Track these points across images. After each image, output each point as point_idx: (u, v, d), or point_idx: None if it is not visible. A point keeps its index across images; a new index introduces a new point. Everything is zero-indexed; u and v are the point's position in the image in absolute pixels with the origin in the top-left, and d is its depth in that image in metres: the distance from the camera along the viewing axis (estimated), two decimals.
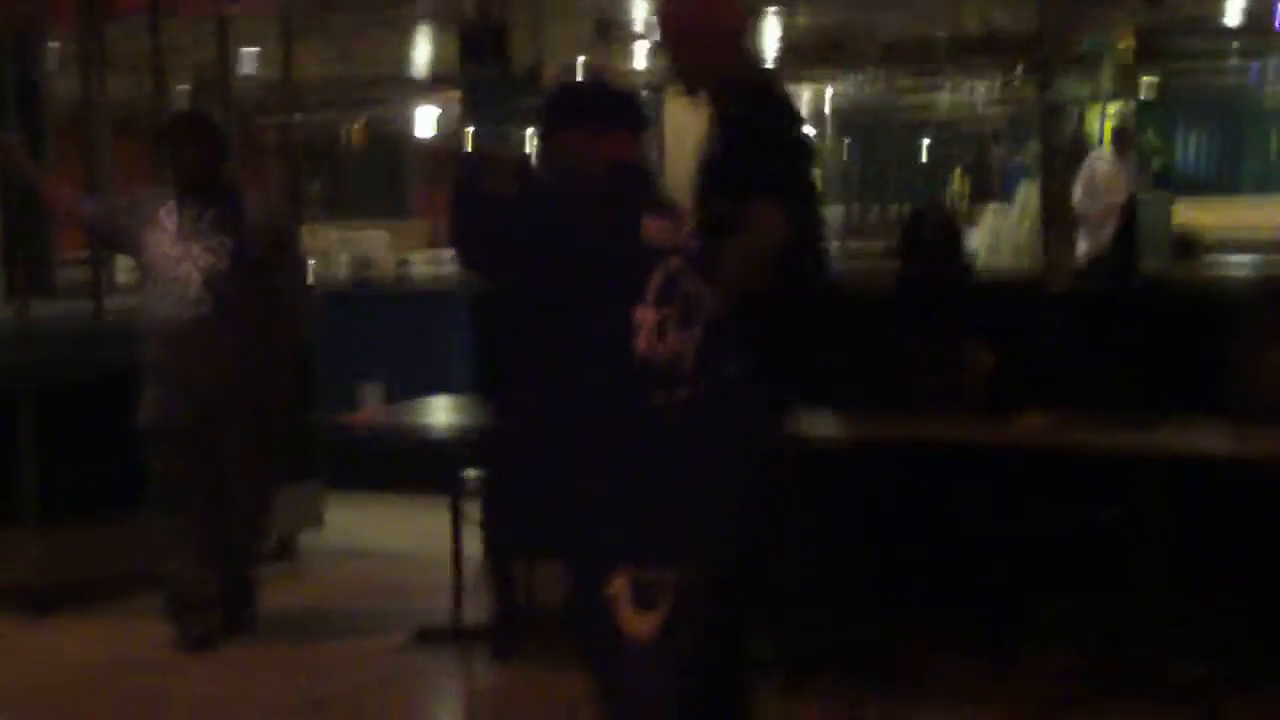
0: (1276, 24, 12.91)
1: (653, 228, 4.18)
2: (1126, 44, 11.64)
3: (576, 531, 4.18)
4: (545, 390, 4.21)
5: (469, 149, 4.94)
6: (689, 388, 4.19)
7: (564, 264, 4.12)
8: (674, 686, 4.26)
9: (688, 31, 5.38)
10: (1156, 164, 15.66)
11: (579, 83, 5.03)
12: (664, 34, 5.50)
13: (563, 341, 4.15)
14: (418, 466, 7.35)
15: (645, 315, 4.10)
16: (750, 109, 5.33)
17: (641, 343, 4.09)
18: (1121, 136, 11.37)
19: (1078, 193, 11.03)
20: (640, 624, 4.13)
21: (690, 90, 5.42)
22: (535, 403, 4.25)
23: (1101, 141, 11.42)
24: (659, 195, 4.41)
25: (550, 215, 4.24)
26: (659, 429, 4.16)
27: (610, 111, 4.42)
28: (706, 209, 5.23)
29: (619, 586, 4.11)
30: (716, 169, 5.36)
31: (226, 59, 9.82)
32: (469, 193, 4.31)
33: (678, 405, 4.17)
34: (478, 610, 6.93)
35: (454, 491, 6.93)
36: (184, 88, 12.59)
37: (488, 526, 6.83)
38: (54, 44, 10.37)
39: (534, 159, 4.63)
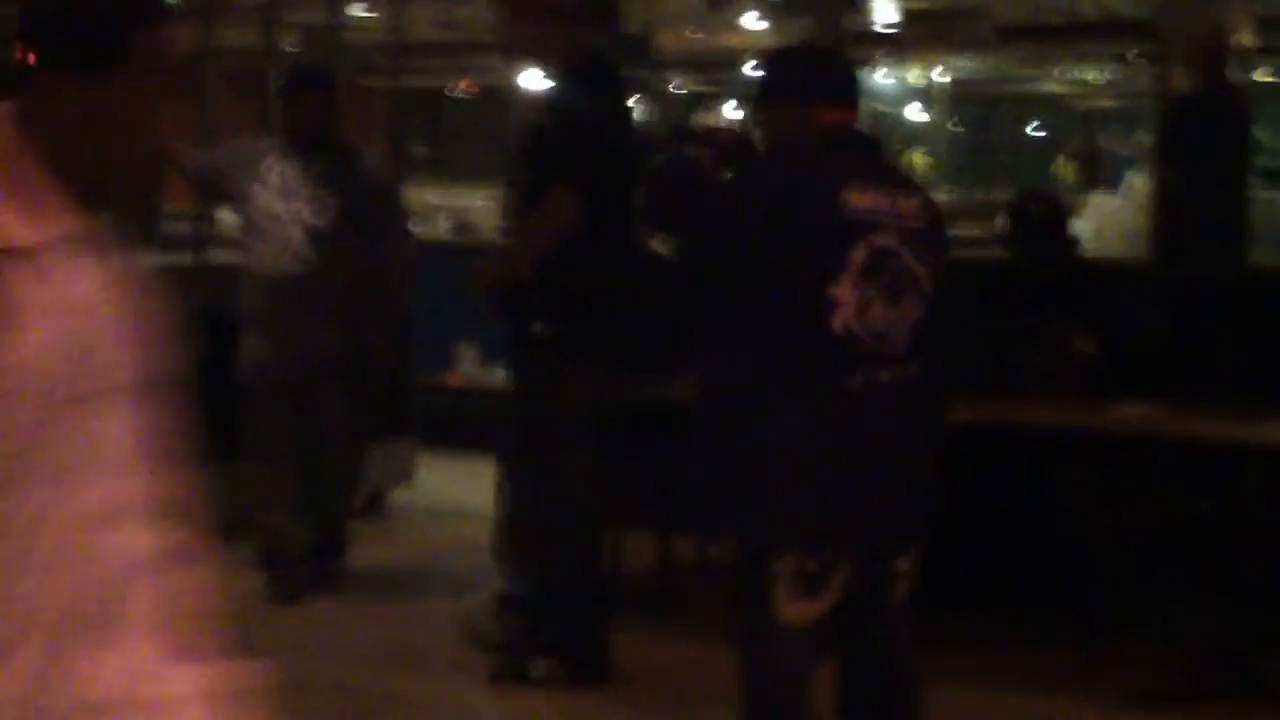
0: None
1: (859, 200, 4.05)
2: (1245, 34, 11.44)
3: (747, 509, 4.12)
4: (736, 368, 4.15)
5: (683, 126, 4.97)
6: (896, 368, 4.09)
7: (757, 237, 4.05)
8: (812, 676, 4.21)
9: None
10: (1265, 157, 15.43)
11: (791, 54, 4.96)
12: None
13: (755, 318, 4.08)
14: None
15: (844, 292, 3.99)
16: (572, 91, 5.36)
17: (837, 322, 3.99)
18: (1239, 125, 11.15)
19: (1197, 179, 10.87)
20: (794, 610, 4.08)
21: (529, 57, 5.52)
22: (725, 379, 4.20)
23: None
24: (879, 167, 4.31)
25: (746, 187, 4.19)
26: (851, 412, 4.05)
27: (824, 85, 4.33)
28: (513, 187, 5.31)
29: (781, 570, 4.06)
30: (528, 146, 5.44)
31: (337, 14, 9.85)
32: (675, 162, 4.28)
33: (877, 388, 4.07)
34: None
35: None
36: (292, 44, 12.63)
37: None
38: None
39: (751, 134, 4.58)
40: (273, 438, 6.93)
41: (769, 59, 4.62)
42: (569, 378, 5.71)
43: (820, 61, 4.65)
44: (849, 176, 4.09)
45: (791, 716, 4.22)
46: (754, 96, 4.45)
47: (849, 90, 4.36)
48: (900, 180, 4.35)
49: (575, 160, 5.40)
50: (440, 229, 13.45)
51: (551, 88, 5.59)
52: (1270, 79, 15.03)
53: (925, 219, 4.17)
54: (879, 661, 4.36)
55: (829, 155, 4.18)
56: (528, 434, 5.85)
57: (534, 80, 16.87)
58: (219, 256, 8.41)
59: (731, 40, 13.99)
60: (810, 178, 4.11)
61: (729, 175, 4.26)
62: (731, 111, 14.90)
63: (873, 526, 4.16)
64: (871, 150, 4.39)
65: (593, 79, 5.62)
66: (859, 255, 3.99)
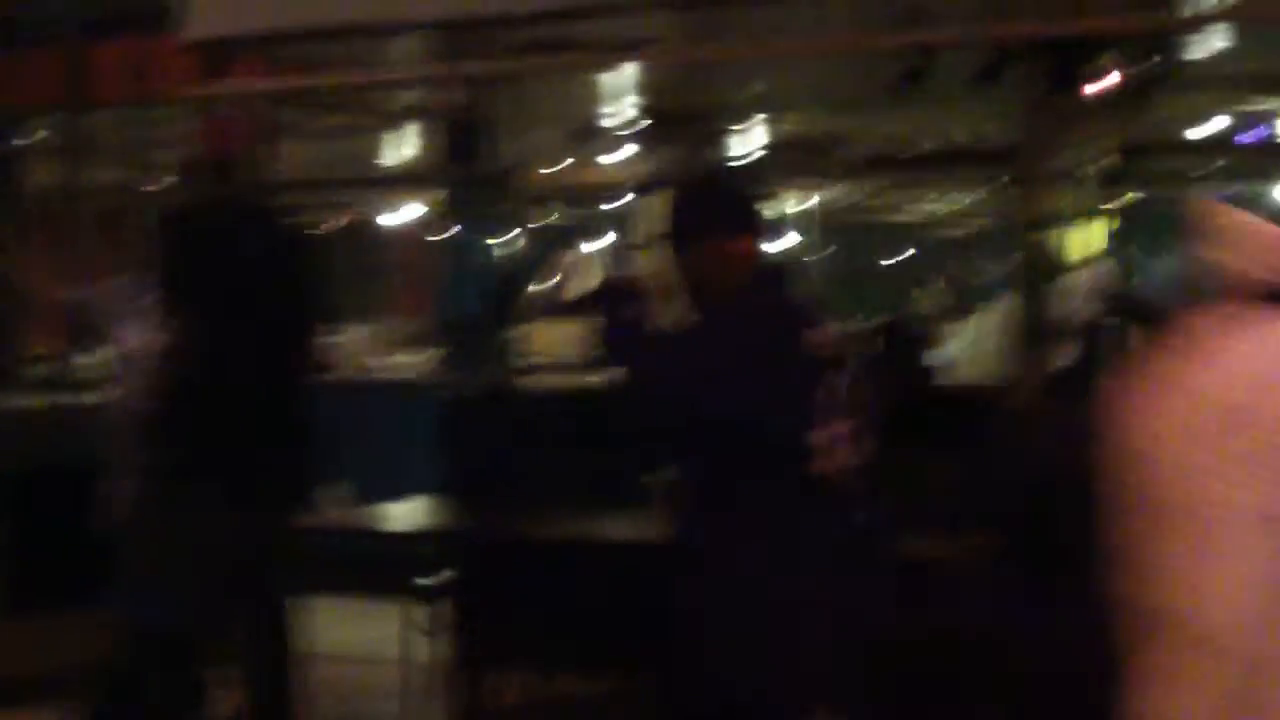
0: (1241, 139, 13.04)
1: (811, 337, 4.08)
2: (1106, 160, 11.68)
3: (771, 677, 4.06)
4: (727, 521, 4.07)
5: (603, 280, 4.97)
6: (866, 509, 4.07)
7: (736, 385, 3.99)
8: None
9: (203, 151, 6.19)
10: (1134, 282, 15.70)
11: (702, 188, 4.84)
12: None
13: (740, 467, 4.02)
14: (377, 569, 7.30)
15: (819, 433, 4.00)
16: (210, 228, 5.68)
17: (826, 463, 3.96)
18: (1095, 252, 11.37)
19: (1061, 305, 11.02)
20: None
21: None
22: (721, 542, 4.09)
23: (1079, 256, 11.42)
24: (801, 300, 4.31)
25: (712, 337, 4.10)
26: (845, 558, 4.03)
27: (741, 215, 4.31)
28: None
29: None
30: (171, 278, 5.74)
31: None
32: (622, 331, 4.21)
33: (856, 528, 4.04)
34: (428, 716, 6.87)
35: (413, 596, 6.88)
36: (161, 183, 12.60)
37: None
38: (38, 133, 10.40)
39: (650, 273, 4.51)
40: (135, 579, 6.83)
41: (677, 198, 4.55)
42: (184, 506, 5.77)
43: (729, 192, 4.60)
44: (794, 312, 4.08)
45: None
46: (667, 235, 4.36)
47: (760, 218, 4.35)
48: (817, 313, 4.34)
49: (184, 295, 5.75)
50: (329, 368, 13.39)
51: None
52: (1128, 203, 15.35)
53: (850, 351, 4.18)
54: None
55: (768, 291, 4.16)
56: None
57: (404, 215, 16.84)
58: (72, 399, 8.35)
59: (601, 173, 14.11)
60: (770, 317, 4.10)
61: (684, 325, 4.18)
62: (602, 244, 14.97)
63: (861, 675, 4.14)
64: (790, 283, 4.38)
65: (245, 217, 6.04)
66: (829, 391, 3.97)
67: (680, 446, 4.18)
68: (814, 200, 16.75)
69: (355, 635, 8.68)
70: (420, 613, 6.90)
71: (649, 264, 4.45)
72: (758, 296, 4.14)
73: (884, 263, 20.45)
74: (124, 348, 6.89)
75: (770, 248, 5.68)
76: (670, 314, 4.25)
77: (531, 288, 7.37)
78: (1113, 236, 12.43)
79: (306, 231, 6.56)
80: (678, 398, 4.11)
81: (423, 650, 6.92)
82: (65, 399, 8.48)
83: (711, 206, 4.39)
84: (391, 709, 7.02)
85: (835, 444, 3.97)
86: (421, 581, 6.91)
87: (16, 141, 10.22)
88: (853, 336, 11.73)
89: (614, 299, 4.28)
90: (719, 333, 4.11)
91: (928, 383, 6.88)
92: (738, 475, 4.01)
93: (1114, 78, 9.26)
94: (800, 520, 3.99)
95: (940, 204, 17.54)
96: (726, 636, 4.06)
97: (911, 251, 20.41)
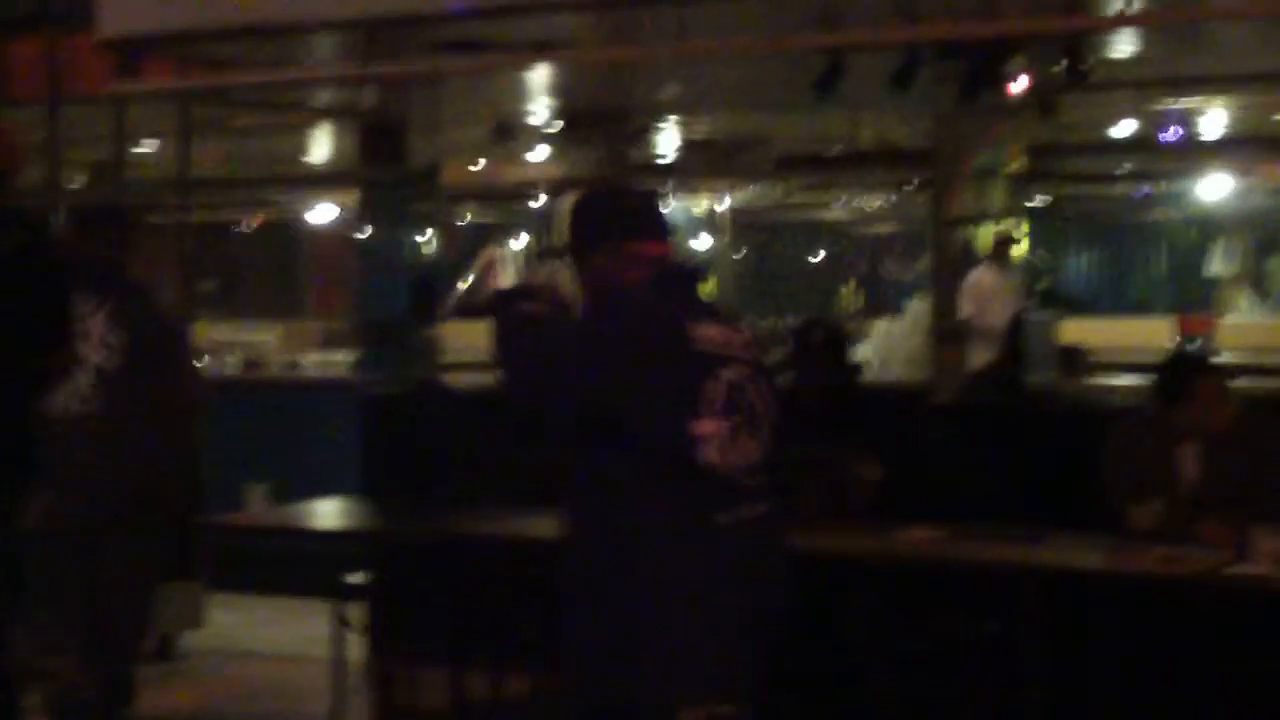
0: (1160, 139, 13.20)
1: (703, 334, 4.08)
2: (1018, 161, 11.81)
3: (645, 669, 4.04)
4: (605, 516, 4.08)
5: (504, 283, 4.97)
6: (756, 504, 4.12)
7: (616, 381, 4.03)
8: None
9: None
10: (1045, 282, 15.87)
11: (601, 194, 4.87)
12: None
13: (621, 463, 4.03)
14: (301, 568, 7.30)
15: (709, 426, 4.00)
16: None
17: (702, 457, 4.01)
18: (1001, 248, 11.48)
19: (964, 306, 11.14)
20: None
21: None
22: (595, 531, 4.11)
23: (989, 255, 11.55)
24: (704, 302, 4.32)
25: (597, 334, 4.13)
26: (724, 550, 4.08)
27: (642, 220, 4.33)
28: None
29: None
30: None
31: (122, 150, 9.79)
32: (513, 324, 4.24)
33: (742, 524, 4.09)
34: (357, 715, 6.88)
35: (337, 594, 6.89)
36: (77, 182, 12.55)
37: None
38: None
39: (561, 279, 4.49)
40: (60, 583, 6.80)
41: (578, 203, 4.49)
42: None
43: (631, 197, 4.65)
44: (687, 311, 4.14)
45: None
46: (567, 242, 4.37)
47: (663, 222, 4.39)
48: (724, 314, 4.34)
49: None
50: (232, 364, 13.38)
51: None
52: (1041, 203, 15.52)
53: (755, 352, 4.22)
54: None
55: (666, 292, 4.20)
56: None
57: (321, 214, 16.89)
58: None
59: (518, 172, 14.15)
60: (657, 315, 4.11)
61: (573, 322, 4.23)
62: (519, 242, 15.01)
63: (752, 671, 4.17)
64: (695, 283, 4.40)
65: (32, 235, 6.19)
66: (714, 390, 4.02)
67: (559, 438, 4.24)
68: (728, 202, 16.83)
69: (283, 634, 8.69)
70: (348, 610, 6.91)
71: (563, 265, 4.49)
72: (654, 297, 4.19)
73: (801, 263, 20.57)
74: None
75: (687, 248, 5.71)
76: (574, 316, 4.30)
77: (450, 287, 7.37)
78: (1029, 236, 12.57)
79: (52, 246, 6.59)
80: (558, 386, 4.16)
81: (351, 648, 6.92)
82: None
83: (613, 210, 4.42)
84: (320, 708, 7.02)
85: (720, 440, 4.02)
86: (348, 579, 6.92)
87: None
88: (763, 338, 11.83)
89: (515, 299, 4.33)
90: (607, 328, 4.16)
91: (852, 380, 6.93)
92: (616, 470, 4.07)
93: (1025, 81, 9.37)
94: (680, 512, 4.04)
95: (855, 205, 17.65)
96: (603, 632, 4.12)
97: (826, 253, 20.53)
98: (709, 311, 4.24)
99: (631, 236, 4.25)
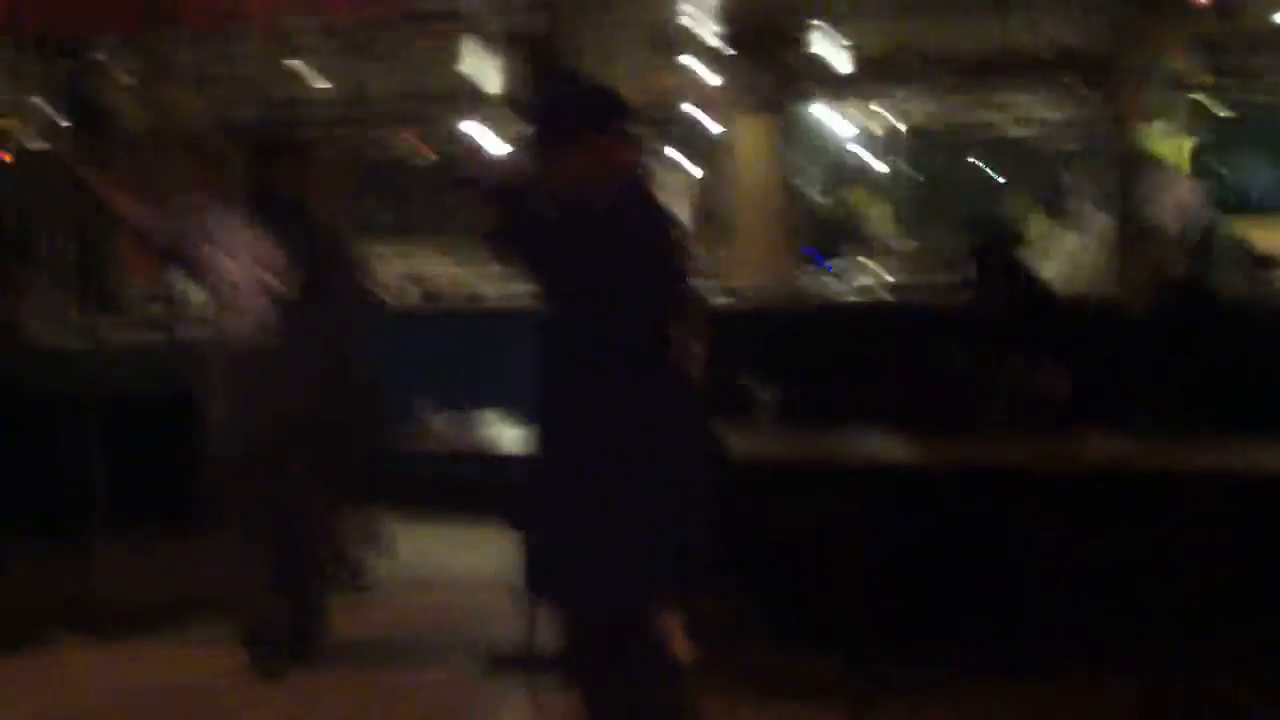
0: None
1: (670, 242, 4.14)
2: (1199, 71, 11.55)
3: (624, 568, 4.08)
4: (592, 416, 4.11)
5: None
6: (698, 405, 4.14)
7: (609, 278, 4.03)
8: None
9: None
10: (1232, 185, 15.51)
11: (572, 88, 4.73)
12: None
13: (608, 363, 4.07)
14: (484, 490, 7.30)
15: (677, 329, 4.05)
16: None
17: (679, 356, 4.02)
18: (1187, 157, 11.27)
19: (1154, 216, 10.93)
20: (687, 651, 4.06)
21: None
22: (581, 432, 4.15)
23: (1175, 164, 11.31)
24: (662, 209, 4.34)
25: (593, 231, 4.13)
26: (697, 451, 4.10)
27: (611, 115, 4.29)
28: None
29: (674, 617, 4.03)
30: None
31: (296, 82, 9.84)
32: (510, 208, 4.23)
33: (695, 424, 4.11)
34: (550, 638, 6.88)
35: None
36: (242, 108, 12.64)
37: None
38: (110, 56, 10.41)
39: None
40: (247, 511, 6.86)
41: (552, 92, 4.51)
42: None
43: (600, 91, 4.47)
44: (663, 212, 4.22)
45: None
46: (540, 131, 4.30)
47: (627, 121, 4.31)
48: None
49: None
50: (407, 295, 13.41)
51: None
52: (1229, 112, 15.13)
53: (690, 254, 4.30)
54: None
55: (647, 193, 4.26)
56: None
57: (492, 141, 16.87)
58: (190, 333, 8.36)
59: (691, 85, 13.96)
60: (655, 205, 4.19)
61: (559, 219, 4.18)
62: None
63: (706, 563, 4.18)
64: (649, 186, 4.39)
65: None
66: (682, 291, 4.03)
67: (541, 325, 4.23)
68: (902, 121, 16.61)
69: (475, 560, 8.68)
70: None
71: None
72: (622, 195, 4.15)
73: (980, 179, 20.28)
74: (218, 280, 6.80)
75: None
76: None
77: None
78: (1213, 145, 12.28)
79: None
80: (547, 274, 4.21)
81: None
82: (182, 334, 8.48)
83: (580, 105, 4.33)
84: (513, 633, 7.04)
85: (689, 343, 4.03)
86: None
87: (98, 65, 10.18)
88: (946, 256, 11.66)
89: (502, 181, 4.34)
90: (584, 223, 4.15)
91: (1036, 295, 6.79)
92: (590, 361, 4.07)
93: None
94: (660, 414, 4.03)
95: (1034, 116, 17.34)
96: (568, 528, 4.17)
97: (1005, 168, 20.23)
98: (667, 218, 4.34)
99: (603, 132, 4.21)
